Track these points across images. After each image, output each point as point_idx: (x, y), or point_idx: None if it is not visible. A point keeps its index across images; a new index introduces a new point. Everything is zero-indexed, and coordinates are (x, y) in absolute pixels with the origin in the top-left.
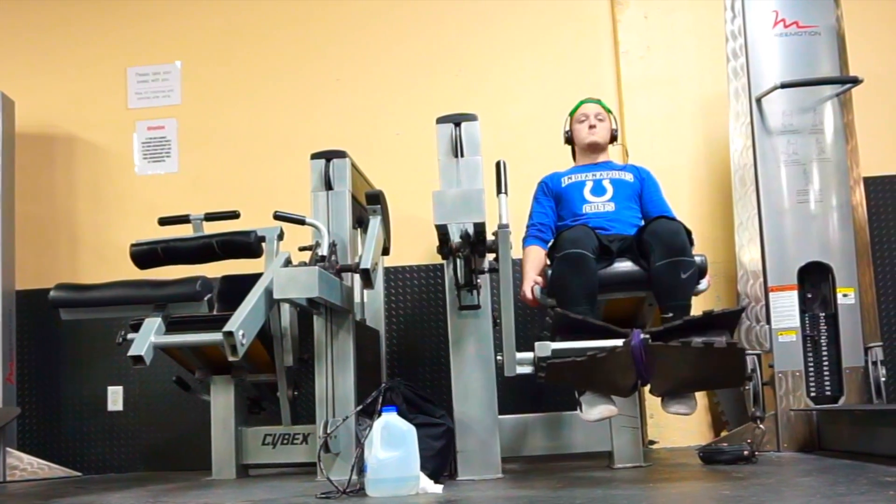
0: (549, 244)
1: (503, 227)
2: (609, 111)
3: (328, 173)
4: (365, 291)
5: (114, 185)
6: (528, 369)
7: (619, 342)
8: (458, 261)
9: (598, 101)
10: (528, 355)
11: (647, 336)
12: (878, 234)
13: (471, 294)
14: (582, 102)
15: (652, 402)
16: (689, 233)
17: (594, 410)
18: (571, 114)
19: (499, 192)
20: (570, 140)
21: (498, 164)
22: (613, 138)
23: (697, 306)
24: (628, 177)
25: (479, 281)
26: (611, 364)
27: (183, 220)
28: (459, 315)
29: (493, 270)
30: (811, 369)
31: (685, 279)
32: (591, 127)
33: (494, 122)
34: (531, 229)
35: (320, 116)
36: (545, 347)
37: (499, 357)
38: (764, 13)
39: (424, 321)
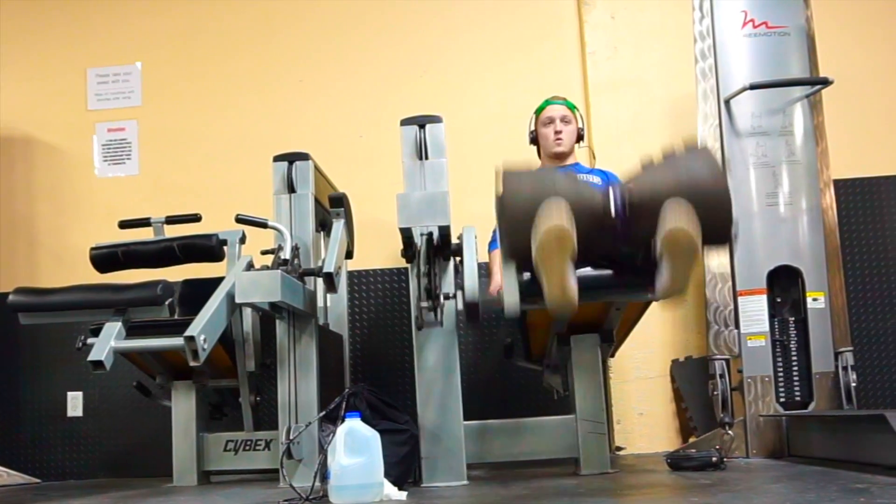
0: None
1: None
2: (575, 109)
3: (291, 176)
4: (328, 295)
5: (73, 187)
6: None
7: None
8: (421, 264)
9: (564, 101)
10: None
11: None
12: (849, 237)
13: (432, 313)
14: (547, 102)
15: (619, 407)
16: None
17: (540, 226)
18: (537, 113)
19: None
20: (535, 141)
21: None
22: (580, 138)
23: (664, 307)
24: (596, 180)
25: (443, 302)
26: (579, 184)
27: (143, 223)
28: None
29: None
30: (780, 374)
31: None
32: (557, 133)
33: (459, 124)
34: (497, 233)
35: (283, 118)
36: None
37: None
38: (733, 13)
39: (388, 326)
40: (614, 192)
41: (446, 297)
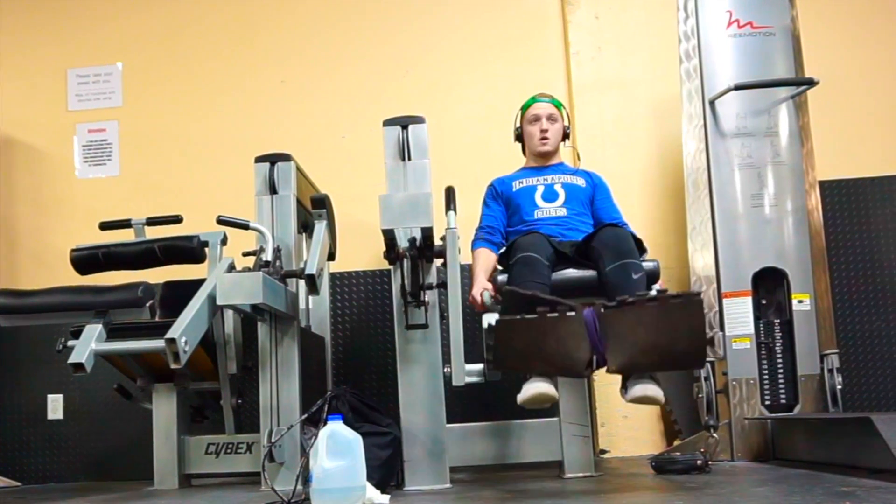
0: (500, 249)
1: (451, 228)
2: (561, 107)
3: (273, 177)
4: (310, 297)
5: (54, 188)
6: (476, 379)
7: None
8: (405, 265)
9: (551, 99)
10: (477, 366)
11: (600, 304)
12: (834, 239)
13: (418, 310)
14: (534, 100)
15: (603, 410)
16: (639, 241)
17: (530, 387)
18: (523, 109)
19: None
20: (520, 138)
21: (447, 190)
22: (566, 136)
23: None
24: (580, 181)
25: (427, 298)
26: (563, 330)
27: (124, 224)
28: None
29: (441, 286)
30: (766, 377)
31: (636, 279)
32: (544, 132)
33: (443, 125)
34: (480, 231)
35: (265, 119)
36: (493, 318)
37: (446, 370)
38: (717, 13)
39: (371, 328)
40: (597, 345)
41: (429, 287)
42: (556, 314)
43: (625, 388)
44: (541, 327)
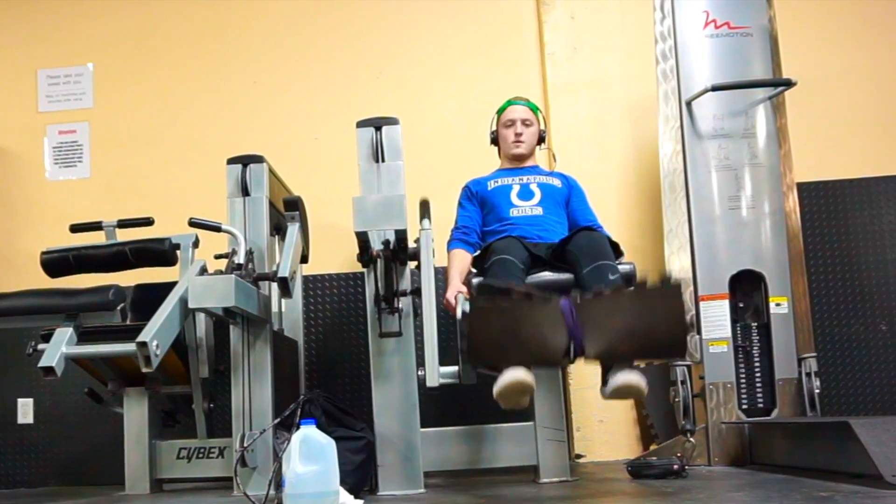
0: (476, 249)
1: (425, 229)
2: (537, 110)
3: (245, 179)
4: (283, 301)
5: (23, 190)
6: (451, 380)
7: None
8: (378, 268)
9: (527, 102)
10: (452, 368)
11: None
12: (812, 241)
13: (391, 317)
14: (510, 103)
15: (579, 414)
16: (615, 244)
17: (507, 375)
18: (499, 113)
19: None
20: (495, 141)
21: (422, 203)
22: (541, 140)
23: None
24: (556, 182)
25: (400, 305)
26: (539, 317)
27: (95, 227)
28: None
29: (416, 292)
30: (743, 381)
31: (612, 280)
32: (518, 135)
33: (416, 126)
34: (456, 232)
35: (237, 120)
36: (468, 305)
37: (420, 372)
38: (694, 14)
39: (344, 331)
40: (574, 332)
41: (403, 294)
42: (532, 299)
43: (605, 382)
44: (516, 313)
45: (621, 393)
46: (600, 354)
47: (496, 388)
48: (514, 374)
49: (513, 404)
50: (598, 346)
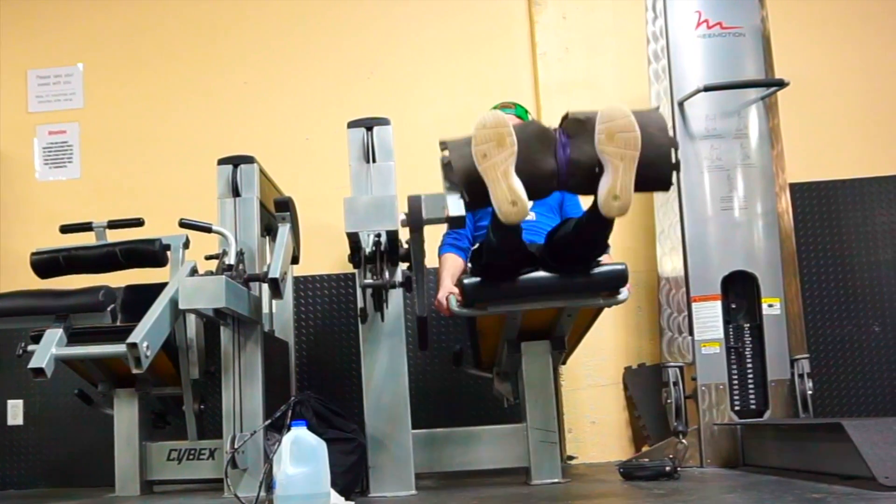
0: (467, 254)
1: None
2: (526, 114)
3: (235, 179)
4: (273, 302)
5: (13, 191)
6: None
7: None
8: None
9: (515, 107)
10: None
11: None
12: (805, 242)
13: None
14: (496, 108)
15: (571, 416)
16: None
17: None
18: None
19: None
20: None
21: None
22: None
23: (617, 313)
24: None
25: (387, 303)
26: (529, 131)
27: (85, 227)
28: (371, 328)
29: (406, 283)
30: (735, 382)
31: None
32: None
33: (408, 126)
34: (447, 238)
35: (227, 121)
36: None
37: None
38: (686, 14)
39: (335, 333)
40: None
41: (393, 287)
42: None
43: (595, 203)
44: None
45: (610, 134)
46: (586, 174)
47: (473, 150)
48: (485, 120)
49: (500, 175)
50: (583, 165)
